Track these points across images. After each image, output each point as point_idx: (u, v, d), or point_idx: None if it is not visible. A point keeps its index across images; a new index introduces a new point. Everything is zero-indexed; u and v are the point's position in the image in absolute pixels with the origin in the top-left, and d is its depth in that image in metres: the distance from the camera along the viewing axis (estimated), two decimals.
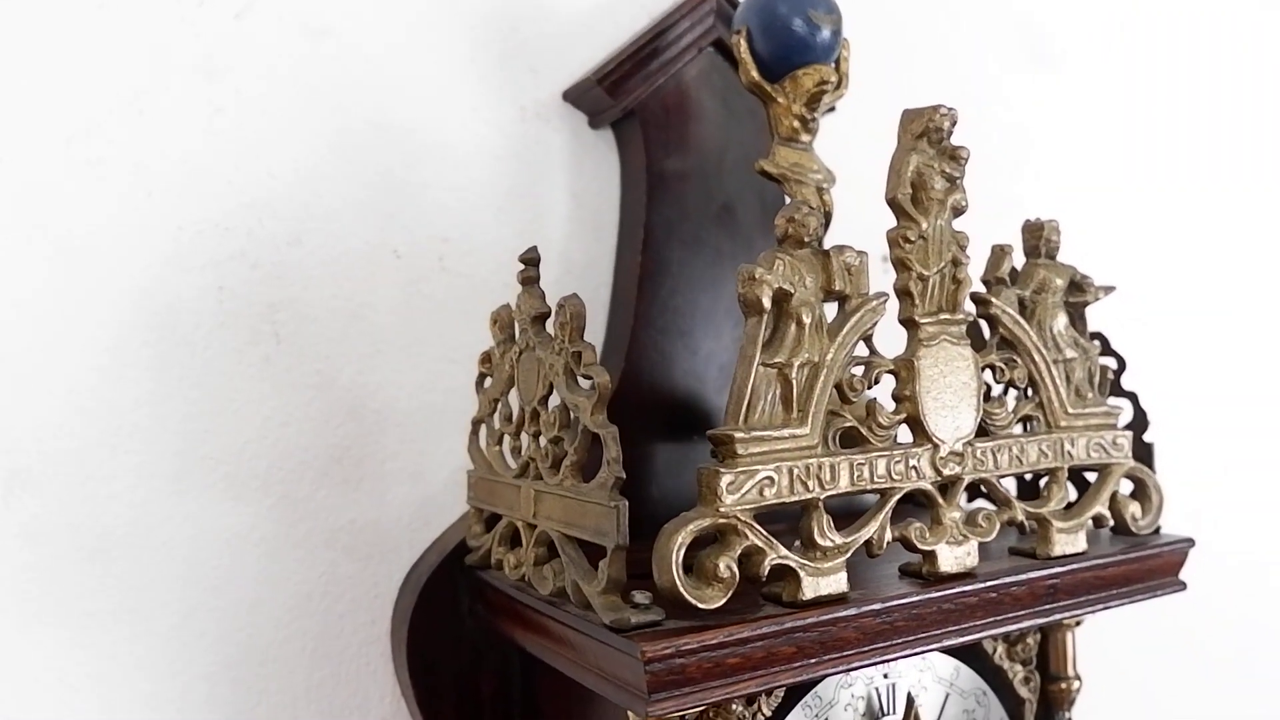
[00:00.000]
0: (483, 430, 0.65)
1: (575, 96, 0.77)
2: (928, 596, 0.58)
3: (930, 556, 0.59)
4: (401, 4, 0.71)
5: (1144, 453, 0.71)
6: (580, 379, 0.55)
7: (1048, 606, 0.63)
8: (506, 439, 0.63)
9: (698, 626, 0.50)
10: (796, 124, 0.69)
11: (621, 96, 0.74)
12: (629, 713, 0.53)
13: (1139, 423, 0.72)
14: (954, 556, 0.59)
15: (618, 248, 0.77)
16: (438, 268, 0.70)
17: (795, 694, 0.61)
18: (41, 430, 0.60)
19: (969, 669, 0.69)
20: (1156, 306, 1.06)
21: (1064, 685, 0.72)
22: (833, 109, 0.77)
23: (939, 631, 0.58)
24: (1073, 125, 1.05)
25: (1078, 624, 0.72)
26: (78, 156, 0.62)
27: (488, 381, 0.65)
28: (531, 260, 0.59)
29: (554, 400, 0.57)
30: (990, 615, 0.61)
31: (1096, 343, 0.71)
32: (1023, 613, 0.62)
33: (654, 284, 0.74)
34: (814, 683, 0.62)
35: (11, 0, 0.60)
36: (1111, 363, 0.72)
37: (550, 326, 0.58)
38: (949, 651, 0.67)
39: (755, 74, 0.69)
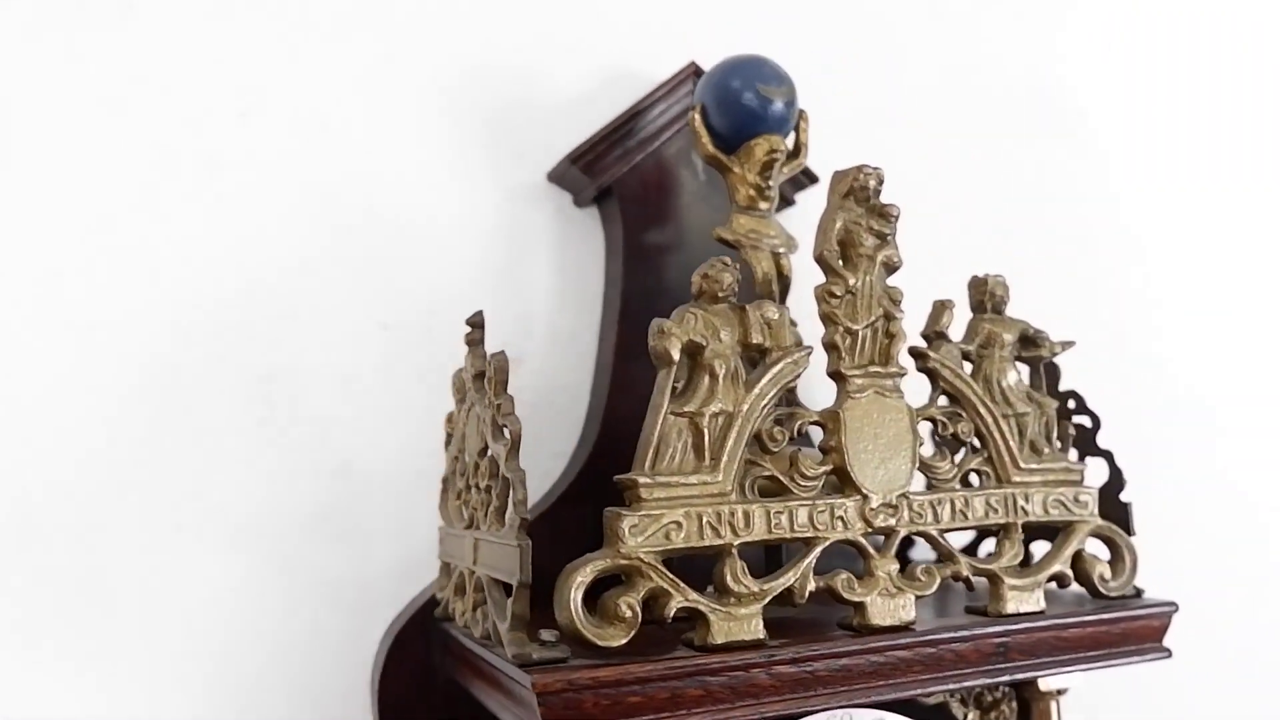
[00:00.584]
0: (449, 487, 0.70)
1: (557, 176, 0.82)
2: (853, 648, 0.58)
3: (860, 608, 0.59)
4: (391, 99, 0.79)
5: (1120, 513, 0.69)
6: (502, 429, 0.58)
7: (1000, 666, 0.62)
8: (460, 494, 0.67)
9: (597, 664, 0.52)
10: (752, 192, 0.72)
11: (598, 175, 0.79)
12: None
13: (1114, 482, 0.70)
14: (887, 608, 0.60)
15: (602, 319, 0.81)
16: (425, 339, 0.76)
17: None
18: (52, 483, 0.67)
19: None
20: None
21: None
22: (807, 173, 0.81)
23: (869, 685, 0.58)
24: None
25: (1060, 693, 0.70)
26: (94, 244, 0.70)
27: (450, 441, 0.70)
28: (476, 324, 0.64)
29: (490, 452, 0.61)
30: (930, 672, 0.60)
31: (1068, 402, 0.71)
32: (968, 670, 0.61)
33: (630, 353, 0.77)
34: None
35: (38, 106, 0.70)
36: (1086, 421, 0.71)
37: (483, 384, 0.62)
38: (914, 713, 0.67)
39: (710, 147, 0.73)
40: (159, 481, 0.70)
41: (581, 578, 0.53)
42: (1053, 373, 0.73)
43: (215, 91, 0.74)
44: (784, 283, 0.72)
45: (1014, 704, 0.70)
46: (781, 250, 0.72)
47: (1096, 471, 0.70)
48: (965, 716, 0.69)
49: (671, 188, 0.81)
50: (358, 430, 0.74)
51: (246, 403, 0.72)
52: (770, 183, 0.72)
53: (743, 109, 0.72)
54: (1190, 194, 1.08)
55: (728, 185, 0.73)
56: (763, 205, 0.72)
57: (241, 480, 0.71)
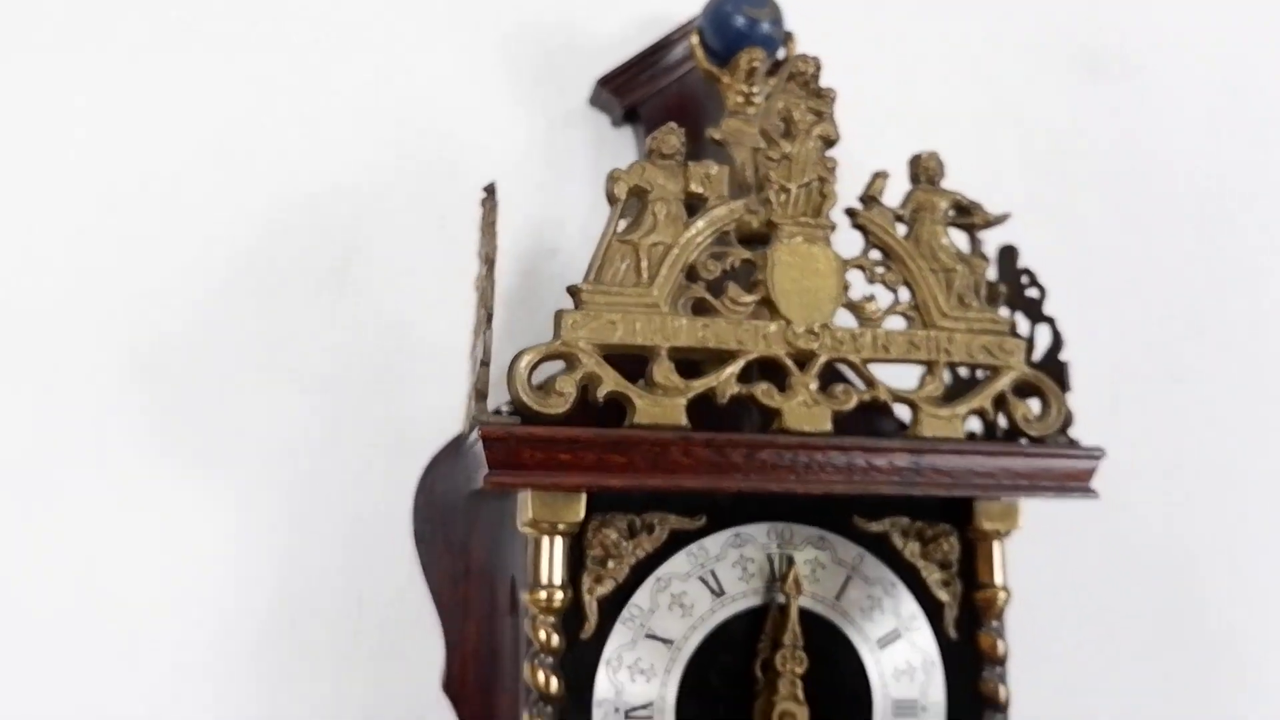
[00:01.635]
0: None
1: (595, 100, 0.98)
2: (766, 439, 0.69)
3: (779, 414, 0.71)
4: (456, 45, 0.97)
5: (1056, 370, 0.77)
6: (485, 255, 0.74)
7: (913, 480, 0.72)
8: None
9: (536, 425, 0.66)
10: (739, 98, 0.85)
11: (625, 95, 0.94)
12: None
13: (1055, 345, 0.78)
14: (805, 416, 0.71)
15: None
16: (474, 229, 0.92)
17: (680, 540, 0.73)
18: (167, 335, 0.87)
19: (875, 558, 0.77)
20: None
21: (990, 594, 0.77)
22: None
23: (781, 480, 0.69)
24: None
25: (1003, 534, 0.78)
26: (210, 151, 0.91)
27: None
28: (489, 190, 0.79)
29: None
30: (842, 476, 0.70)
31: (1021, 278, 0.80)
32: (881, 480, 0.71)
33: None
34: (701, 533, 0.74)
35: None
36: (1035, 293, 0.80)
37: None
38: (855, 539, 0.77)
39: (706, 63, 0.87)
40: (252, 342, 0.88)
41: (529, 358, 0.67)
42: (1011, 254, 0.82)
43: (315, 22, 0.94)
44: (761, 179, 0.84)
45: (955, 540, 0.78)
46: (761, 146, 0.84)
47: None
48: (905, 548, 0.78)
49: (689, 110, 0.95)
50: (414, 306, 0.91)
51: (321, 284, 0.90)
52: (753, 89, 0.85)
53: (732, 29, 0.85)
54: None
55: (721, 95, 0.87)
56: (749, 110, 0.85)
57: (316, 344, 0.89)
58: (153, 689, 0.83)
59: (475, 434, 0.66)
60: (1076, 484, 0.75)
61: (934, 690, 0.77)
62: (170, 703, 0.82)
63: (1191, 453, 1.05)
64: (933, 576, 0.78)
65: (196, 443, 0.86)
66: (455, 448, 0.86)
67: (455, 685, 0.84)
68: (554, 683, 0.69)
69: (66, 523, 0.83)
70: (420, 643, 0.85)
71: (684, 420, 0.69)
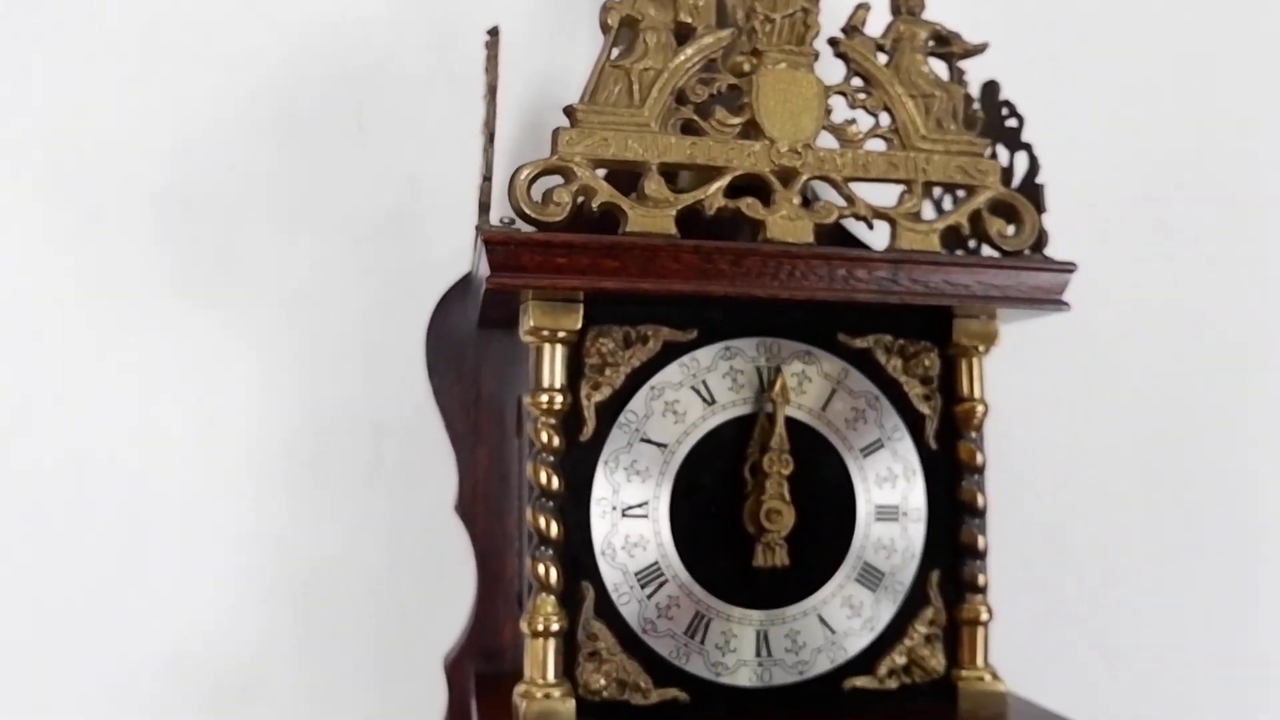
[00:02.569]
0: None
1: None
2: (751, 246, 0.75)
3: (763, 225, 0.76)
4: None
5: (1032, 192, 0.82)
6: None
7: (891, 290, 0.77)
8: None
9: (535, 231, 0.72)
10: None
11: None
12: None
13: (1032, 169, 0.83)
14: (788, 229, 0.76)
15: None
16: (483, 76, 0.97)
17: (673, 351, 0.79)
18: (190, 182, 0.93)
19: (859, 373, 0.82)
20: None
21: (968, 407, 0.83)
22: None
23: (765, 285, 0.75)
24: None
25: (981, 351, 0.83)
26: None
27: None
28: (493, 33, 0.85)
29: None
30: (824, 283, 0.76)
31: (1002, 109, 0.84)
32: (860, 288, 0.76)
33: None
34: (693, 345, 0.79)
35: None
36: (1014, 122, 0.84)
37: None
38: (840, 355, 0.82)
39: None
40: (275, 189, 0.94)
41: (528, 172, 0.73)
42: (993, 89, 0.86)
43: None
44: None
45: (935, 357, 0.83)
46: None
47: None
48: (888, 363, 0.83)
49: None
50: (426, 152, 0.97)
51: (341, 128, 0.96)
52: None
53: None
54: None
55: None
56: None
57: (334, 184, 0.95)
58: (184, 512, 0.90)
59: (479, 240, 0.71)
60: (1048, 297, 0.79)
61: (915, 497, 0.82)
62: (202, 522, 0.90)
63: (1178, 300, 1.10)
64: (914, 390, 0.83)
65: (223, 283, 0.93)
66: (465, 285, 0.92)
67: (467, 506, 0.91)
68: (555, 480, 0.75)
69: (102, 357, 0.90)
70: (434, 468, 0.92)
71: (673, 230, 0.74)
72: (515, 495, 0.89)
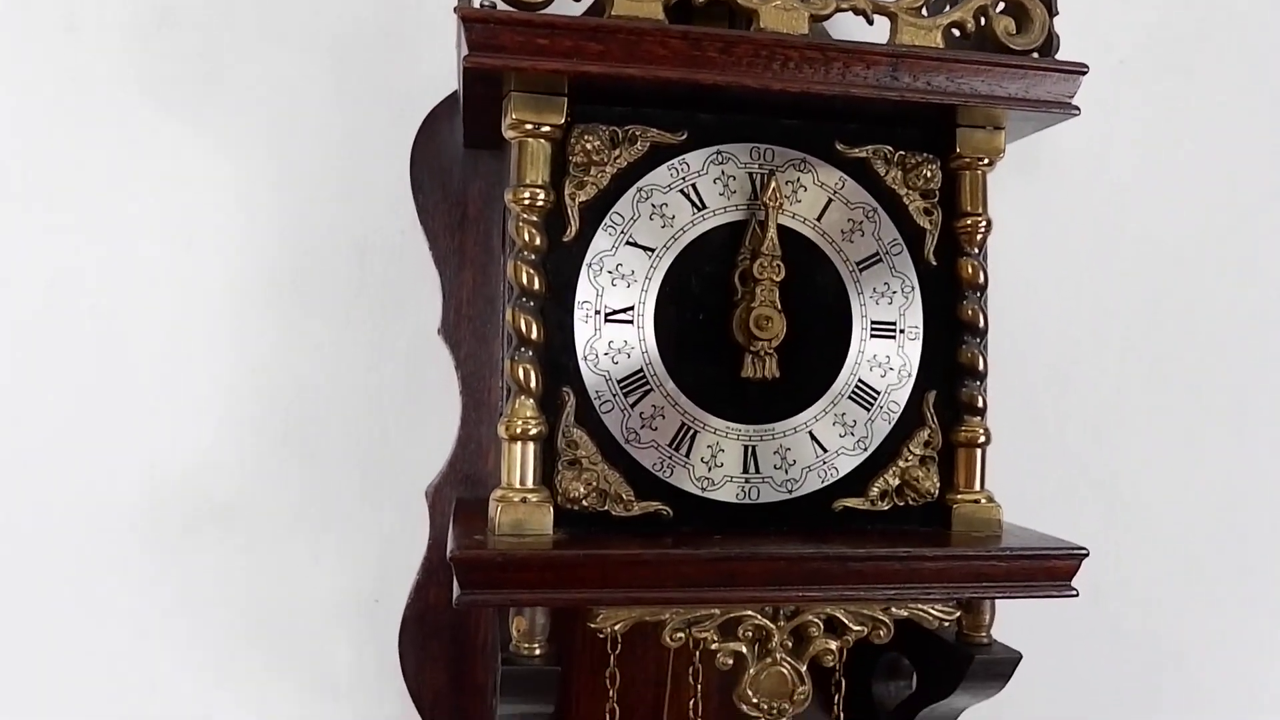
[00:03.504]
0: None
1: None
2: (742, 34, 0.72)
3: (755, 15, 0.73)
4: None
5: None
6: None
7: (891, 88, 0.74)
8: None
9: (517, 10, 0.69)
10: None
11: None
12: None
13: None
14: (780, 18, 0.73)
15: None
16: None
17: (661, 154, 0.76)
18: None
19: (857, 184, 0.80)
20: None
21: (970, 222, 0.80)
22: None
23: (759, 76, 0.71)
24: None
25: (985, 164, 0.80)
26: None
27: None
28: None
29: None
30: (819, 77, 0.72)
31: None
32: (857, 81, 0.73)
33: None
34: (683, 149, 0.77)
35: None
36: None
37: None
38: (837, 164, 0.79)
39: None
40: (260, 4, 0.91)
41: None
42: None
43: None
44: None
45: (936, 169, 0.80)
46: None
47: None
48: (887, 174, 0.80)
49: None
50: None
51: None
52: None
53: None
54: None
55: None
56: None
57: (320, 7, 0.92)
58: (164, 334, 0.88)
59: (457, 20, 0.69)
60: (1056, 103, 0.76)
61: (912, 314, 0.80)
62: (182, 345, 0.88)
63: (1193, 138, 1.06)
64: (914, 204, 0.80)
65: (202, 99, 0.90)
66: (453, 103, 0.89)
67: (451, 330, 0.89)
68: (536, 280, 0.73)
69: (79, 175, 0.88)
70: (418, 291, 0.90)
71: (661, 16, 0.71)
72: (500, 319, 0.87)
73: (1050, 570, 0.76)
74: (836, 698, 0.86)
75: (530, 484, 0.73)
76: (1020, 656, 0.78)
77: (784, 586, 0.72)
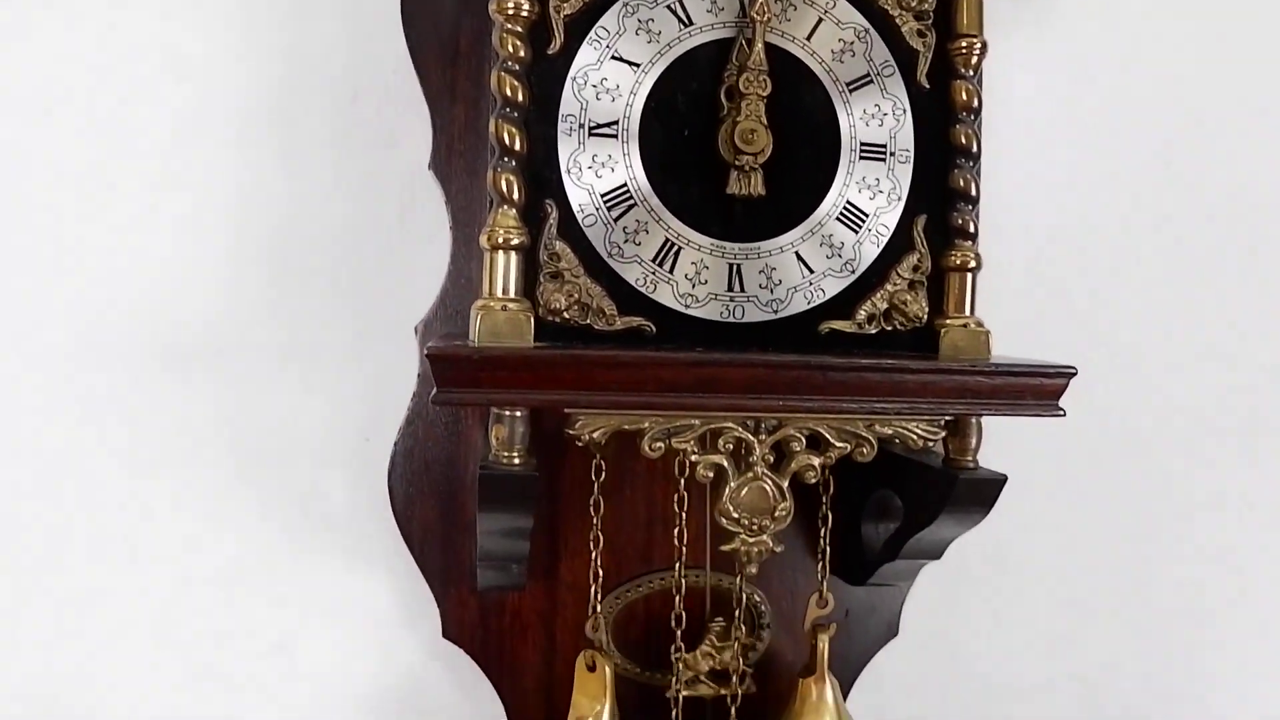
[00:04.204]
0: None
1: None
2: None
3: None
4: None
5: None
6: None
7: None
8: None
9: None
10: None
11: None
12: None
13: None
14: None
15: None
16: None
17: None
18: None
19: (847, 3, 0.79)
20: None
21: (965, 44, 0.78)
22: None
23: None
24: None
25: None
26: None
27: None
28: None
29: None
30: None
31: None
32: None
33: None
34: None
35: None
36: None
37: None
38: None
39: None
40: None
41: None
42: None
43: None
44: None
45: None
46: None
47: None
48: None
49: None
50: None
51: None
52: None
53: None
54: None
55: None
56: None
57: None
58: (153, 162, 0.89)
59: None
60: None
61: (903, 136, 0.79)
62: (176, 181, 0.89)
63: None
64: (907, 25, 0.79)
65: None
66: None
67: (442, 164, 0.89)
68: (520, 92, 0.72)
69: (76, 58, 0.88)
70: (411, 129, 0.90)
71: None
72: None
73: (1038, 389, 0.75)
74: (823, 531, 0.86)
75: (512, 294, 0.73)
76: (1005, 478, 0.77)
77: (764, 395, 0.72)
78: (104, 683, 0.91)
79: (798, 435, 0.74)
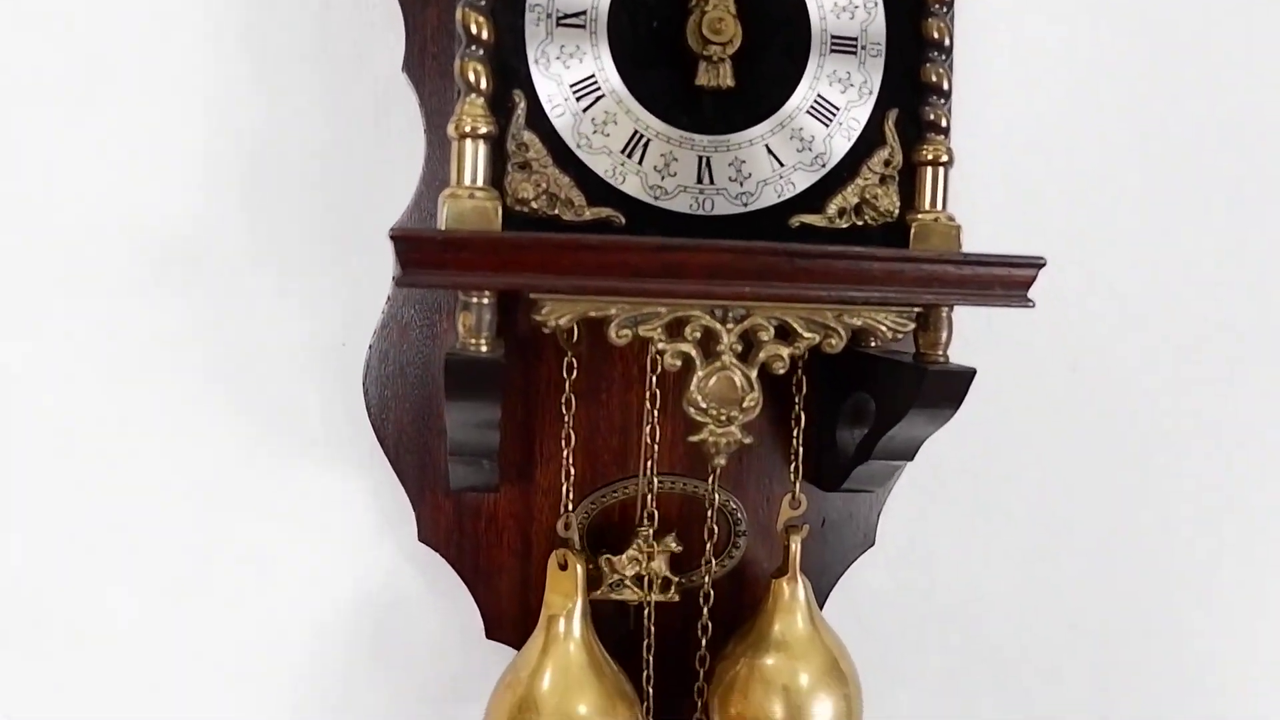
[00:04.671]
0: None
1: None
2: None
3: None
4: None
5: None
6: None
7: None
8: None
9: None
10: None
11: None
12: None
13: None
14: None
15: None
16: None
17: None
18: None
19: None
20: None
21: None
22: None
23: None
24: None
25: None
26: None
27: None
28: None
29: None
30: None
31: None
32: None
33: None
34: None
35: None
36: None
37: None
38: None
39: None
40: None
41: None
42: None
43: None
44: None
45: None
46: None
47: None
48: None
49: None
50: None
51: None
52: None
53: None
54: None
55: None
56: None
57: None
58: (135, 81, 0.89)
59: None
60: None
61: (875, 29, 0.79)
62: (150, 89, 0.89)
63: None
64: None
65: None
66: None
67: (415, 66, 0.88)
68: None
69: None
70: (385, 36, 0.90)
71: None
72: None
73: (1006, 280, 0.75)
74: (796, 431, 0.87)
75: (480, 184, 0.73)
76: (974, 371, 0.77)
77: (731, 282, 0.72)
78: (80, 593, 0.91)
79: (765, 324, 0.74)
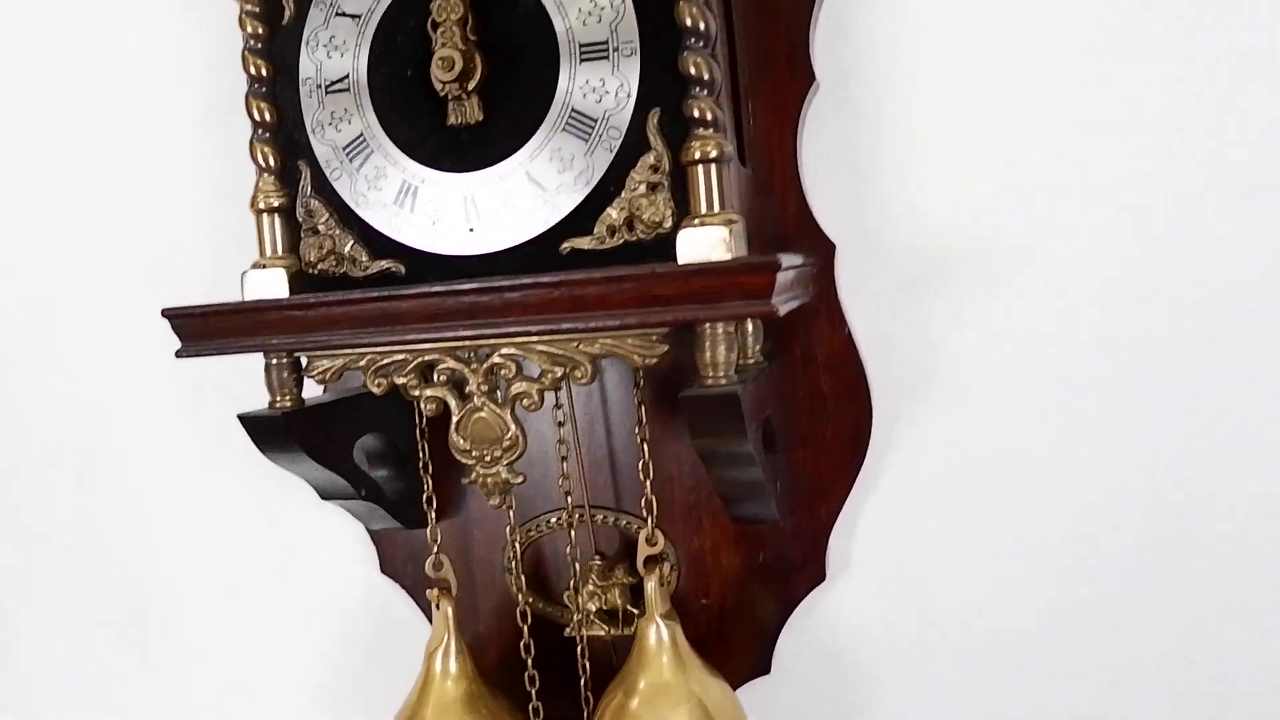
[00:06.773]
0: None
1: None
2: None
3: None
4: None
5: None
6: None
7: None
8: None
9: None
10: None
11: None
12: None
13: None
14: None
15: None
16: None
17: None
18: None
19: None
20: None
21: None
22: None
23: None
24: None
25: None
26: None
27: None
28: None
29: None
30: None
31: None
32: None
33: None
34: None
35: None
36: None
37: None
38: None
39: None
40: None
41: None
42: None
43: None
44: None
45: None
46: None
47: None
48: None
49: None
50: None
51: None
52: None
53: None
54: None
55: None
56: None
57: None
58: None
59: None
60: None
61: (625, 28, 0.73)
62: None
63: None
64: None
65: None
66: None
67: None
68: (264, 68, 0.80)
69: None
70: None
71: None
72: None
73: (740, 287, 0.66)
74: (640, 463, 0.82)
75: (280, 253, 0.80)
76: (735, 393, 0.68)
77: (450, 323, 0.71)
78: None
79: (505, 363, 0.73)
